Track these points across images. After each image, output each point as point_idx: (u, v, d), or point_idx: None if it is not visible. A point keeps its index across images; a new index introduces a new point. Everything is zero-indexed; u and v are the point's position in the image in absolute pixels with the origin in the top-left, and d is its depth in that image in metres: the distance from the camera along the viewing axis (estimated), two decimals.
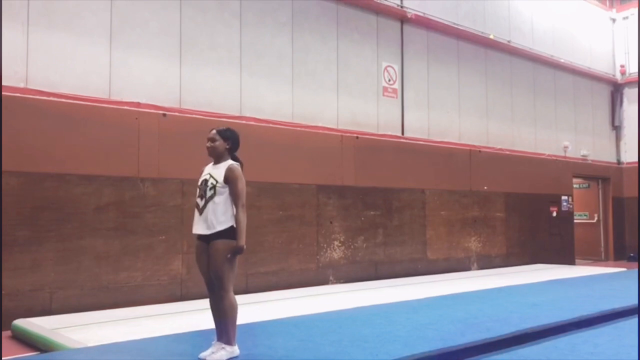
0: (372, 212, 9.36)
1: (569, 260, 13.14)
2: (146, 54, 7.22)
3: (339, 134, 9.12)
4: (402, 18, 10.30)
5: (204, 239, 4.10)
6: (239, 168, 4.18)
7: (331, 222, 8.84)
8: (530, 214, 12.39)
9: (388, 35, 10.15)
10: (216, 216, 4.03)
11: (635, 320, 6.10)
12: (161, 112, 7.17)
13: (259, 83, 8.31)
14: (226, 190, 4.07)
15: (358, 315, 5.87)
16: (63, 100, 6.42)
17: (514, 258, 11.85)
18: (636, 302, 6.73)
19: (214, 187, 4.07)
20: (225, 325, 4.07)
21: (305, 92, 8.87)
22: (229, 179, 4.07)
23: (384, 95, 10.00)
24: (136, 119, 6.94)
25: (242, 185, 4.11)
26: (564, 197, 13.42)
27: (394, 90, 10.17)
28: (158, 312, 6.25)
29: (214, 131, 4.26)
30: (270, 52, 8.47)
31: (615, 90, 15.49)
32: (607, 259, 14.67)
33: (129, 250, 6.73)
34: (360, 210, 9.23)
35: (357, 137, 9.34)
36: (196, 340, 4.74)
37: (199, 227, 4.09)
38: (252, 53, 8.25)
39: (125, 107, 6.91)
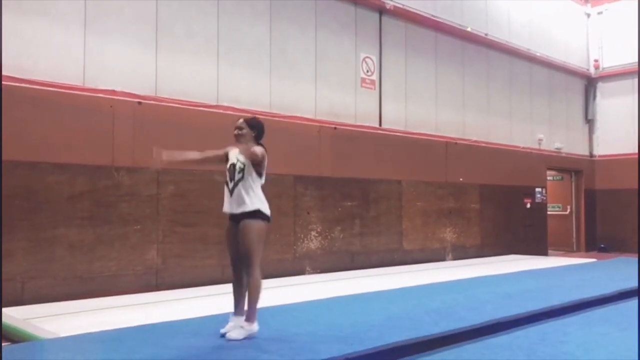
0: (349, 203, 9.39)
1: (542, 251, 13.37)
2: (121, 41, 7.11)
3: (317, 124, 9.11)
4: (380, 9, 10.30)
5: (234, 219, 4.46)
6: (264, 150, 4.50)
7: (308, 213, 8.85)
8: (505, 205, 12.57)
9: (367, 26, 10.15)
10: (245, 196, 4.39)
11: (604, 308, 6.26)
12: (136, 100, 7.08)
13: (237, 72, 8.25)
14: (253, 172, 4.42)
15: (334, 305, 5.92)
16: (36, 87, 6.28)
17: (489, 249, 12.02)
18: (604, 291, 6.90)
19: (242, 170, 4.43)
20: (249, 302, 4.36)
21: (283, 82, 8.83)
22: (254, 159, 4.38)
23: (362, 86, 10.01)
24: (111, 107, 6.84)
25: (265, 162, 4.49)
26: (537, 189, 13.63)
27: (372, 82, 10.19)
28: (133, 302, 6.20)
29: (242, 120, 4.64)
30: (248, 41, 8.41)
31: (589, 84, 15.74)
32: (578, 249, 14.97)
33: (103, 239, 6.65)
34: (338, 200, 9.25)
35: (335, 128, 9.34)
36: (170, 330, 4.73)
37: (230, 207, 4.47)
38: (229, 42, 8.17)
39: (100, 95, 6.79)
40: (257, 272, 4.39)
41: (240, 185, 4.41)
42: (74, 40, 6.73)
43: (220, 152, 4.72)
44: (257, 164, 4.44)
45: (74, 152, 6.49)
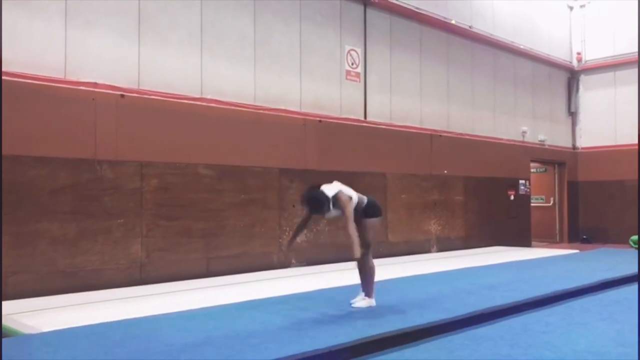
0: None
1: (526, 243, 13.52)
2: (103, 33, 7.02)
3: (302, 117, 9.09)
4: (365, 1, 10.28)
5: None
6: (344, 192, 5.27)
7: (294, 206, 8.84)
8: (489, 197, 12.66)
9: (351, 18, 10.13)
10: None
11: (585, 299, 6.35)
12: (119, 92, 7.00)
13: (221, 64, 8.19)
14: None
15: (319, 298, 5.93)
16: (16, 79, 6.18)
17: (473, 240, 12.11)
18: (586, 282, 7.00)
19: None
20: (368, 282, 5.40)
21: (268, 75, 8.79)
22: (337, 199, 5.18)
23: (347, 78, 10.00)
24: (93, 99, 6.76)
25: (350, 208, 5.19)
26: (521, 181, 13.75)
27: (357, 74, 10.18)
28: (117, 296, 6.16)
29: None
30: (232, 33, 8.35)
31: (572, 77, 15.87)
32: (561, 241, 15.15)
33: (86, 233, 6.59)
34: None
35: (320, 121, 9.33)
36: (155, 324, 4.70)
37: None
38: (213, 34, 8.11)
39: (82, 87, 6.71)
40: (370, 257, 5.37)
41: None
42: (55, 32, 6.64)
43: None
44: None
45: (55, 145, 6.42)
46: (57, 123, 6.45)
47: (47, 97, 6.40)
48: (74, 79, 6.70)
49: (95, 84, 6.82)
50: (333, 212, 5.15)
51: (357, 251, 4.91)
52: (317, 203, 5.12)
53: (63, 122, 6.50)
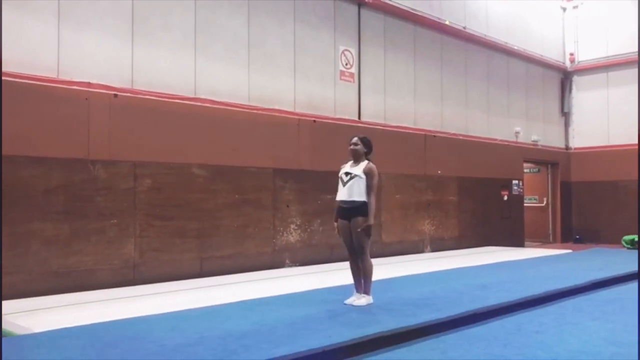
0: (329, 196, 9.35)
1: (519, 243, 13.57)
2: (97, 33, 6.99)
3: (296, 117, 9.09)
4: (359, 2, 10.29)
5: (346, 216, 5.51)
6: (375, 167, 5.56)
7: (288, 206, 8.85)
8: (482, 197, 12.70)
9: (345, 18, 10.14)
10: (355, 191, 5.45)
11: (577, 298, 6.38)
12: (112, 92, 6.98)
13: (215, 65, 8.18)
14: (364, 180, 5.45)
15: (312, 298, 5.93)
16: (9, 78, 6.14)
17: (466, 240, 12.15)
18: (578, 282, 7.03)
19: (355, 176, 5.48)
20: (365, 281, 5.56)
21: (262, 75, 8.78)
22: (369, 174, 5.48)
23: (341, 79, 10.01)
24: (86, 99, 6.74)
25: (376, 180, 5.54)
26: (514, 182, 13.80)
27: (351, 75, 10.19)
28: (110, 296, 6.14)
29: (356, 138, 5.71)
30: (226, 34, 8.34)
31: (565, 77, 15.95)
32: (554, 241, 15.21)
33: (79, 234, 6.57)
34: (318, 193, 9.26)
35: (315, 121, 9.34)
36: (148, 324, 4.70)
37: (343, 196, 5.53)
38: (207, 34, 8.10)
39: (75, 87, 6.69)
40: (368, 256, 5.54)
41: (350, 182, 5.51)
42: (49, 32, 6.61)
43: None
44: (370, 179, 5.50)
45: (49, 145, 6.39)
46: (50, 123, 6.43)
47: (40, 97, 6.37)
48: (67, 78, 6.67)
49: (88, 84, 6.80)
50: (360, 176, 5.46)
51: (372, 220, 5.44)
52: (370, 143, 5.70)
53: (56, 122, 6.48)
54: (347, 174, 5.57)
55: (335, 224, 5.72)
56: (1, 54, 5.59)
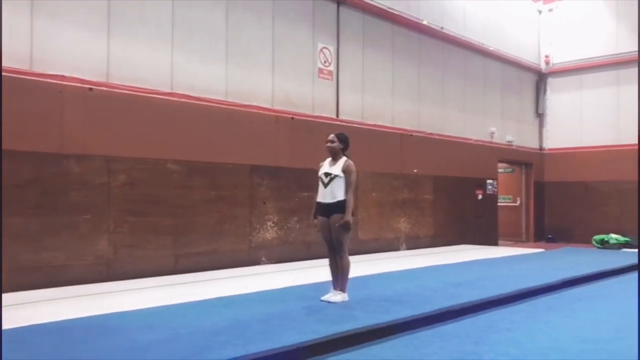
0: (306, 194, 9.38)
1: (493, 241, 13.74)
2: (71, 25, 6.87)
3: (274, 114, 9.07)
4: (338, 0, 10.30)
5: (326, 213, 5.59)
6: (352, 164, 5.63)
7: (264, 203, 8.82)
8: (457, 196, 12.84)
9: (324, 16, 10.13)
10: (336, 191, 5.54)
11: (549, 296, 6.49)
12: (87, 86, 6.87)
13: (192, 60, 8.11)
14: (342, 179, 5.55)
15: (288, 295, 5.93)
16: None
17: (441, 239, 12.27)
18: (550, 280, 7.16)
19: (335, 176, 5.55)
20: (342, 278, 5.61)
21: (240, 71, 8.74)
22: (347, 171, 5.56)
23: (319, 76, 10.01)
24: (60, 92, 6.62)
25: (354, 177, 5.62)
26: (489, 181, 13.98)
27: (330, 72, 10.20)
28: (82, 292, 6.05)
29: (333, 135, 5.77)
30: (203, 29, 8.27)
31: (540, 79, 16.19)
32: (527, 240, 15.45)
33: (50, 229, 6.45)
34: (295, 191, 9.25)
35: (293, 118, 9.32)
36: (121, 321, 4.64)
37: (324, 197, 5.60)
38: (184, 29, 8.02)
39: (48, 80, 6.57)
40: (346, 254, 5.60)
41: (331, 184, 5.57)
42: (20, 22, 6.47)
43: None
44: (348, 176, 5.58)
45: (20, 138, 6.26)
46: (22, 115, 6.30)
47: (12, 89, 6.23)
48: (40, 71, 6.55)
49: (62, 77, 6.68)
50: (339, 175, 5.55)
51: (349, 216, 5.48)
52: (347, 139, 5.77)
53: (28, 115, 6.35)
54: (326, 174, 5.61)
55: (315, 220, 5.75)
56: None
